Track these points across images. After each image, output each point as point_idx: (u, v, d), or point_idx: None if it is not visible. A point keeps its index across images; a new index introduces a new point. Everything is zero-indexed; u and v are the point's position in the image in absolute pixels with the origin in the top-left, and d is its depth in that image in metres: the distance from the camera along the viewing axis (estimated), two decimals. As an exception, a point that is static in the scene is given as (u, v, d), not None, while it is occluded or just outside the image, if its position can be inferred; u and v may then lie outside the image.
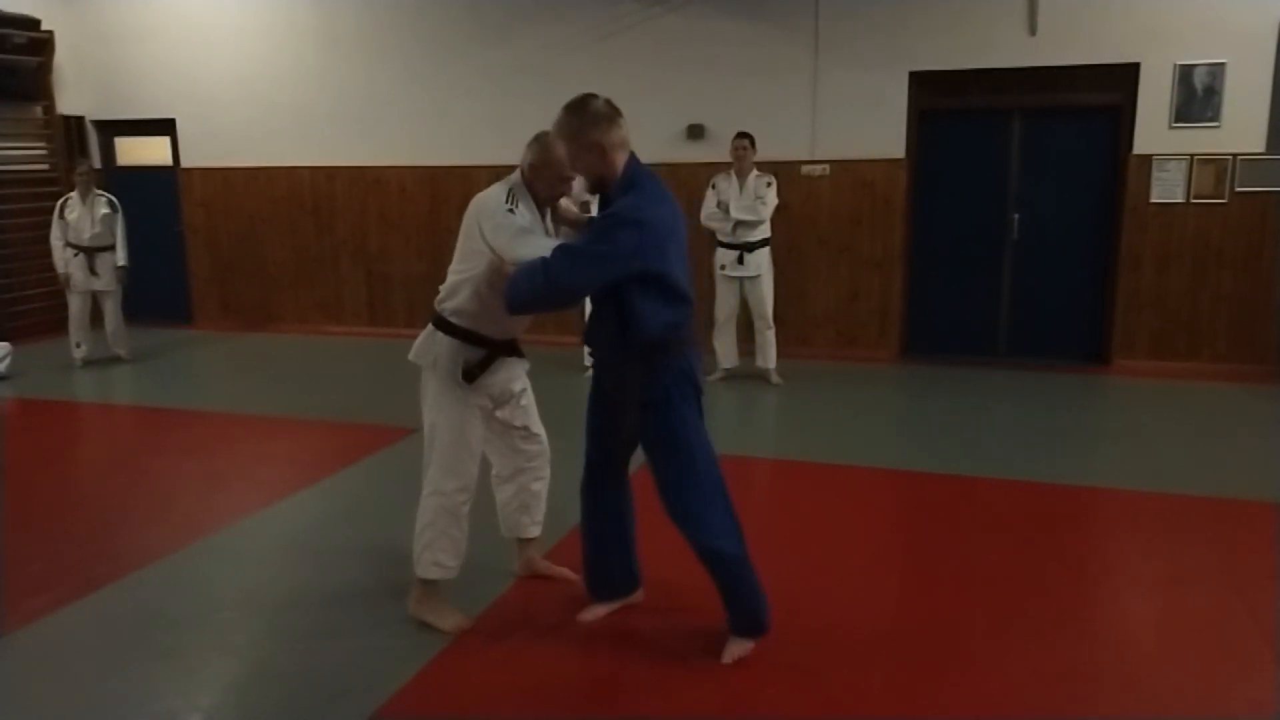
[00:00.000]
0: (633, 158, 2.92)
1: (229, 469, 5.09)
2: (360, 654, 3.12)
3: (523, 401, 3.38)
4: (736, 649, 3.07)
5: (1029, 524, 4.28)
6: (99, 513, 4.51)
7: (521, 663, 3.07)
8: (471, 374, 3.14)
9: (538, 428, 3.45)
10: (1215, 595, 3.53)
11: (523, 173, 3.09)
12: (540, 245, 2.86)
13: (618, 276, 2.79)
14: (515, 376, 3.32)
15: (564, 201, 3.18)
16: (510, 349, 3.26)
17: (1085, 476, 4.90)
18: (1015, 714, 2.81)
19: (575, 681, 3.00)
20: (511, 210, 2.96)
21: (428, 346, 3.20)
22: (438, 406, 3.18)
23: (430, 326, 3.22)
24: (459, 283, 3.12)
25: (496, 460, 3.46)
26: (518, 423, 3.38)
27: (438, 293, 3.21)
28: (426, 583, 3.28)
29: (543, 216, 3.11)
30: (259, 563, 3.89)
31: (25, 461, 5.34)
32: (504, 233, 2.92)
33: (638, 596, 3.42)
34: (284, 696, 2.90)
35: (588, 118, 2.84)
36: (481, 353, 3.16)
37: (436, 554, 3.23)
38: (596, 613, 3.33)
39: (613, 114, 2.87)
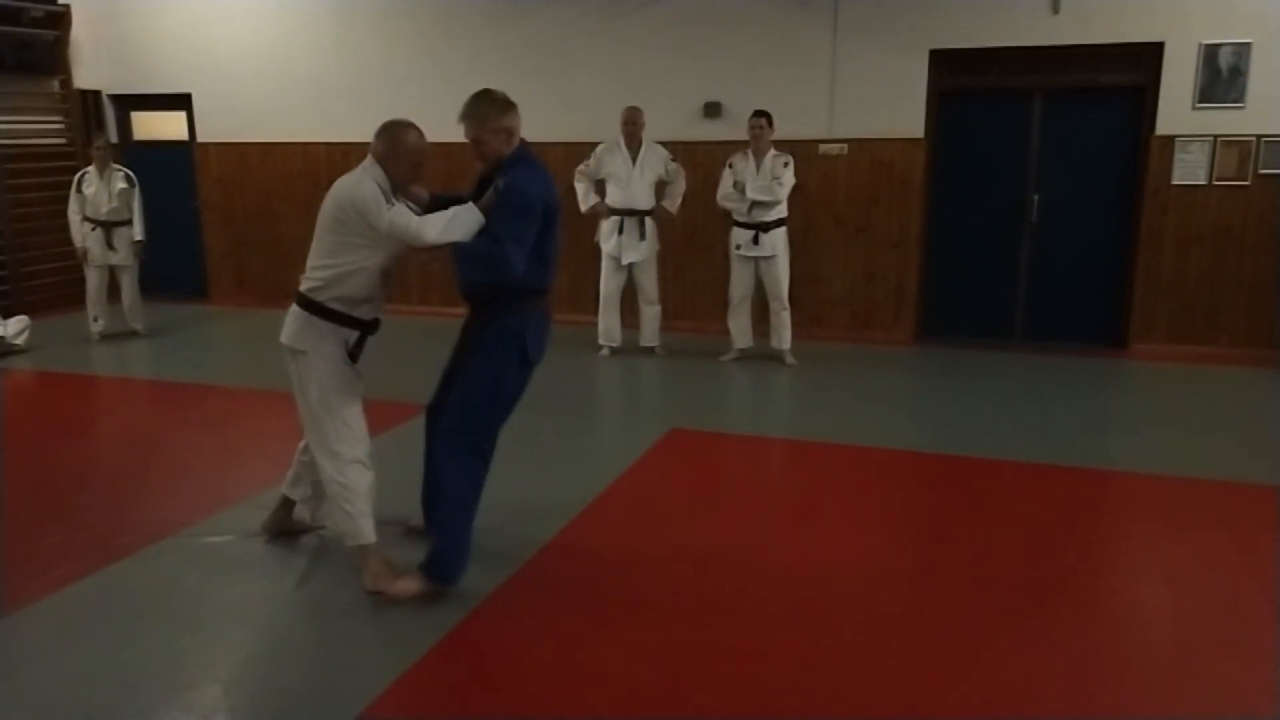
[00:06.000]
0: (522, 139, 3.31)
1: (245, 443, 5.12)
2: (376, 627, 3.15)
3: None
4: (410, 583, 3.26)
5: (1043, 507, 4.26)
6: (117, 485, 4.56)
7: (523, 657, 3.05)
8: (355, 355, 3.38)
9: None
10: (1231, 581, 3.52)
11: (378, 162, 3.28)
12: (445, 220, 3.11)
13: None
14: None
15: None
16: (375, 327, 3.43)
17: (1100, 460, 4.87)
18: (1025, 702, 2.80)
19: (580, 671, 2.98)
20: (393, 206, 3.17)
21: (305, 331, 3.32)
22: (331, 385, 3.33)
23: (302, 312, 3.33)
24: (347, 273, 3.28)
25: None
26: None
27: (304, 280, 3.36)
28: (370, 550, 3.34)
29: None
30: (276, 535, 3.91)
31: (43, 434, 5.39)
32: (404, 224, 3.13)
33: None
34: (301, 668, 2.93)
35: (497, 105, 3.25)
36: (356, 334, 3.36)
37: (369, 519, 3.33)
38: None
39: (511, 102, 3.29)
